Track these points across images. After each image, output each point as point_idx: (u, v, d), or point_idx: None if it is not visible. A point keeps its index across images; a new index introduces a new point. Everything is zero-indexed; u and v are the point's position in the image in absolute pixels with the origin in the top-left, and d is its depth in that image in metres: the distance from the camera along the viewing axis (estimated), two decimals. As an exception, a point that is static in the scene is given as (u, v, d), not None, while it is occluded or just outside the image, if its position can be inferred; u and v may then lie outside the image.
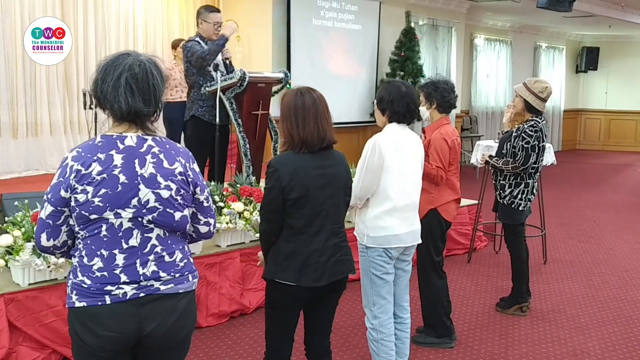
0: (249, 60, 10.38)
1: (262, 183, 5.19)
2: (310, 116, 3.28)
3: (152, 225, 2.55)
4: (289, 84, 6.64)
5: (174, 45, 8.91)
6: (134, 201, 2.50)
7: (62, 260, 4.34)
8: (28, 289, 4.32)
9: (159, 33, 10.26)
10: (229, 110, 6.32)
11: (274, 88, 6.75)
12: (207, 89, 6.27)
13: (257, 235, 5.27)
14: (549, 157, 7.91)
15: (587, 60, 19.87)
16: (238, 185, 5.62)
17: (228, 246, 5.52)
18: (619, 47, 19.66)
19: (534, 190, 5.61)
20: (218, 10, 6.67)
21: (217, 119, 6.19)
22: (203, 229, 2.81)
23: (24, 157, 8.73)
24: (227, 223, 5.34)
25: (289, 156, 3.31)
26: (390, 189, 3.97)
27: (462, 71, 14.71)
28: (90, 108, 7.68)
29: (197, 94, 6.41)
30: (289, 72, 6.98)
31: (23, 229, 4.34)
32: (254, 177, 6.40)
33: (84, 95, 7.94)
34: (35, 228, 2.79)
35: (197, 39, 6.42)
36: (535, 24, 17.25)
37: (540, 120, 5.48)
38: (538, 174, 5.63)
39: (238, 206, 5.43)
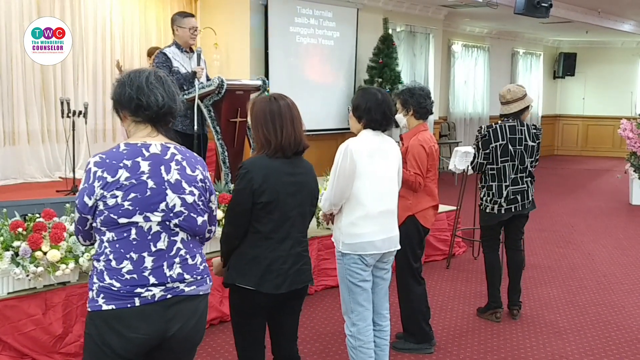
0: (227, 68, 10.37)
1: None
2: (287, 121, 3.31)
3: (177, 229, 2.66)
4: (267, 91, 6.63)
5: (150, 54, 8.89)
6: (162, 205, 2.60)
7: (40, 269, 4.32)
8: (7, 297, 4.29)
9: (136, 41, 10.23)
10: (207, 118, 6.30)
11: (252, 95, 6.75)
12: (184, 97, 6.21)
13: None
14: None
15: (565, 66, 20.01)
16: (217, 193, 5.60)
17: (207, 254, 5.49)
18: (596, 52, 19.84)
19: (505, 194, 5.49)
20: (192, 15, 6.64)
21: (195, 127, 6.17)
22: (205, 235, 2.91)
23: (1, 166, 8.67)
24: (206, 231, 5.33)
25: (262, 159, 3.32)
26: (362, 195, 3.96)
27: (440, 78, 14.74)
28: (68, 116, 7.63)
29: None
30: (267, 79, 6.97)
31: (1, 238, 4.30)
32: (233, 185, 6.37)
33: (62, 103, 7.91)
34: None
35: (173, 47, 6.40)
36: (513, 30, 17.38)
37: (497, 124, 5.53)
38: (510, 177, 5.50)
39: (217, 214, 5.40)
